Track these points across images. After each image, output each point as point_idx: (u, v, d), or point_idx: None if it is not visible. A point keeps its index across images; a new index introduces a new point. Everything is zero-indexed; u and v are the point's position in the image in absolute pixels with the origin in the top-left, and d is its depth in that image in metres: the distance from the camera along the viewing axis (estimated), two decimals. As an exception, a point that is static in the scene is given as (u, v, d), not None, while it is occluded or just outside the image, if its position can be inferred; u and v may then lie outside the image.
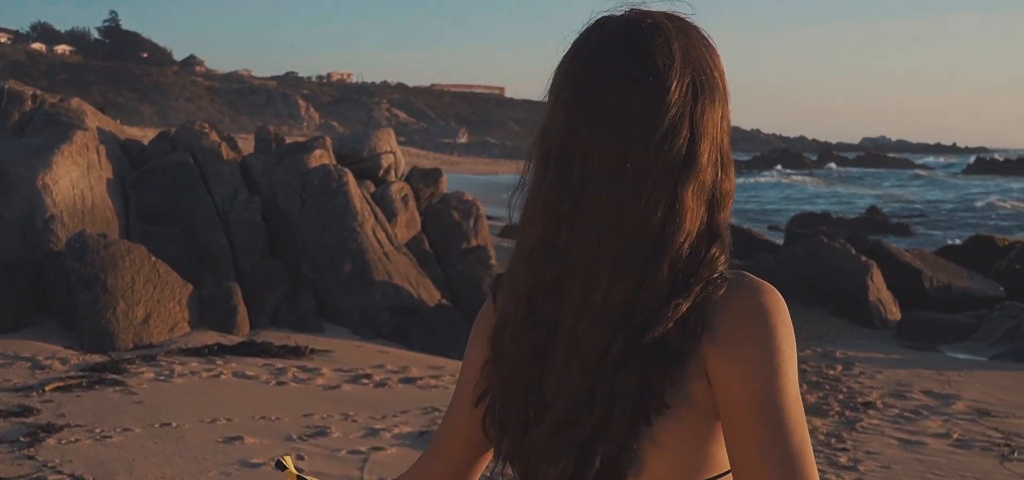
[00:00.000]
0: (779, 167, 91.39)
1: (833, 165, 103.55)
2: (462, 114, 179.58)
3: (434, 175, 13.47)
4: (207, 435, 6.91)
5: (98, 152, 11.56)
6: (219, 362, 9.09)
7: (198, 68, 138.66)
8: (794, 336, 1.45)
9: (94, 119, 12.37)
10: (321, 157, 12.04)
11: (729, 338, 1.43)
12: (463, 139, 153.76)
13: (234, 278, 10.76)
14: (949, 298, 15.65)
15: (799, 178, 75.48)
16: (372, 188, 12.41)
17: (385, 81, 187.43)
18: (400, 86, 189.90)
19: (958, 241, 25.35)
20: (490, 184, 59.34)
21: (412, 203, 12.39)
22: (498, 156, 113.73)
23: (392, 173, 13.04)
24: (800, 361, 11.01)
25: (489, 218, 31.14)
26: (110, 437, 6.78)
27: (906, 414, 8.86)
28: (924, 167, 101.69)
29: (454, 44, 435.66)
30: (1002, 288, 16.34)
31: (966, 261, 20.72)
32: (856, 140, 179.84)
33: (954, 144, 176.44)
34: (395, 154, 13.33)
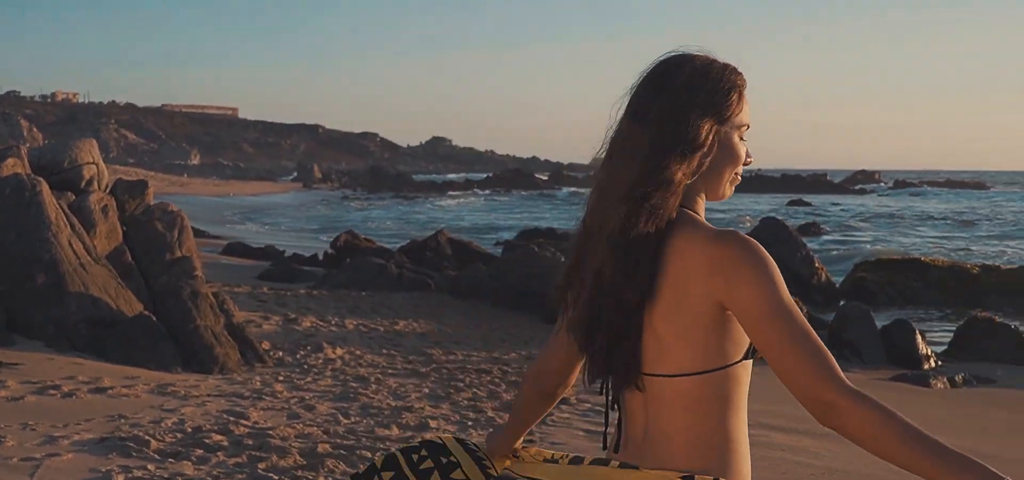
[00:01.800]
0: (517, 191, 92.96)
1: (565, 188, 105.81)
2: (194, 135, 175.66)
3: (140, 187, 13.17)
4: None
5: None
6: None
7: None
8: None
9: None
10: (13, 166, 11.61)
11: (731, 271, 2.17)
12: (195, 160, 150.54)
13: (-83, 293, 10.24)
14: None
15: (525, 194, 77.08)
16: (72, 198, 12.05)
17: (114, 101, 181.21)
18: (129, 106, 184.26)
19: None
20: (220, 205, 58.37)
21: (113, 214, 12.08)
22: (231, 177, 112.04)
23: (95, 184, 12.68)
24: (507, 363, 11.38)
25: (214, 238, 30.80)
26: None
27: (597, 409, 9.25)
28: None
29: (186, 64, 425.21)
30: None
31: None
32: (587, 160, 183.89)
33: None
34: (98, 166, 12.96)
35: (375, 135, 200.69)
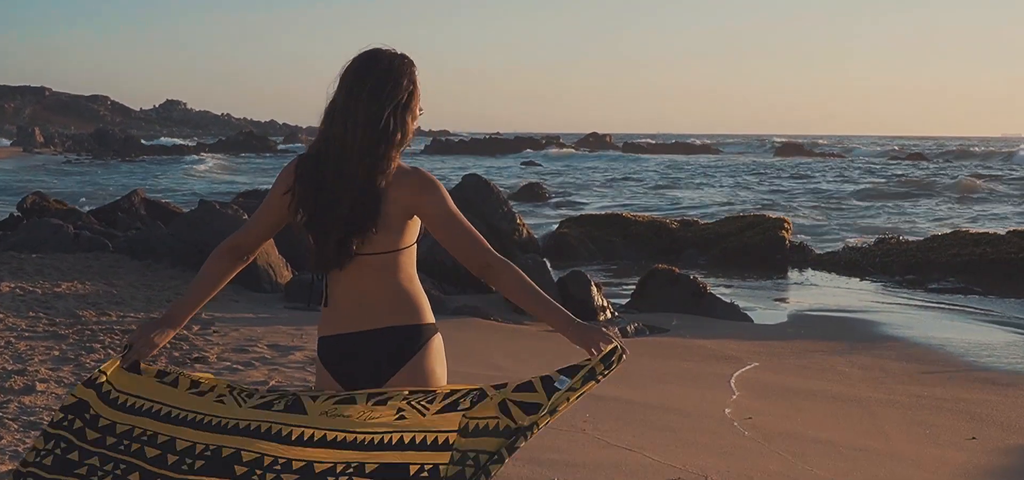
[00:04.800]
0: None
1: (301, 146, 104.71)
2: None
3: None
4: None
5: None
6: None
7: None
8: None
9: None
10: None
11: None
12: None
13: None
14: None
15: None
16: None
17: None
18: None
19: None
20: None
21: None
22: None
23: None
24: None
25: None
26: None
27: (235, 367, 8.83)
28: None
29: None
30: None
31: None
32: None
33: (418, 128, 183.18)
34: None
35: (106, 98, 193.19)
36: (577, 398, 3.28)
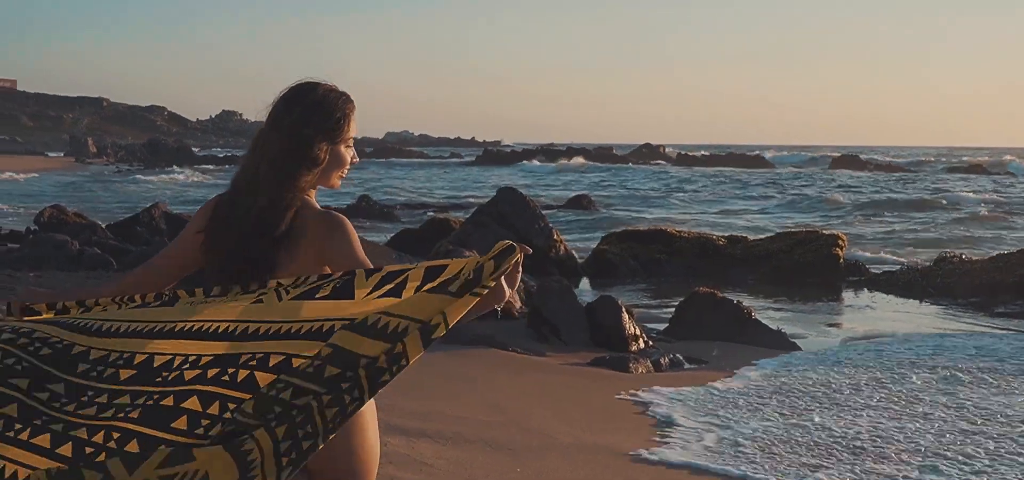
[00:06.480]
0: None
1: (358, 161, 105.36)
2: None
3: None
4: None
5: None
6: None
7: None
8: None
9: None
10: None
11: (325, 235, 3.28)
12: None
13: None
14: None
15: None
16: None
17: None
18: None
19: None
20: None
21: None
22: (7, 151, 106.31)
23: None
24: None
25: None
26: None
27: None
28: (440, 157, 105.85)
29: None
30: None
31: (419, 244, 20.48)
32: (380, 134, 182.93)
33: (473, 138, 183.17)
34: None
35: (163, 109, 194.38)
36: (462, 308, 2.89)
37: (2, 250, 17.35)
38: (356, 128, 3.42)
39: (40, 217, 21.05)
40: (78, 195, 44.03)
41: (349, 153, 3.41)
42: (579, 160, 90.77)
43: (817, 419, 8.84)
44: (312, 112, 3.31)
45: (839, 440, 8.18)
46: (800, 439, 8.19)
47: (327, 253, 3.24)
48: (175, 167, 77.38)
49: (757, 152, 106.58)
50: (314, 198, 3.37)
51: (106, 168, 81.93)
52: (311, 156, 3.29)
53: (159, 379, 2.96)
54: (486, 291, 2.88)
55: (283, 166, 3.27)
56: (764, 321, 13.78)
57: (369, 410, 3.26)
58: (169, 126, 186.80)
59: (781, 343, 12.89)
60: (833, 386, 10.19)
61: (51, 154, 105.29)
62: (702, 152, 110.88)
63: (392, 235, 23.56)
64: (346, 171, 3.44)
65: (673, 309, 14.37)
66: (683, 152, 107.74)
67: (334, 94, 3.38)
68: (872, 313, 16.39)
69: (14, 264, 15.28)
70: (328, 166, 3.35)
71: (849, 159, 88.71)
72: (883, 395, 9.85)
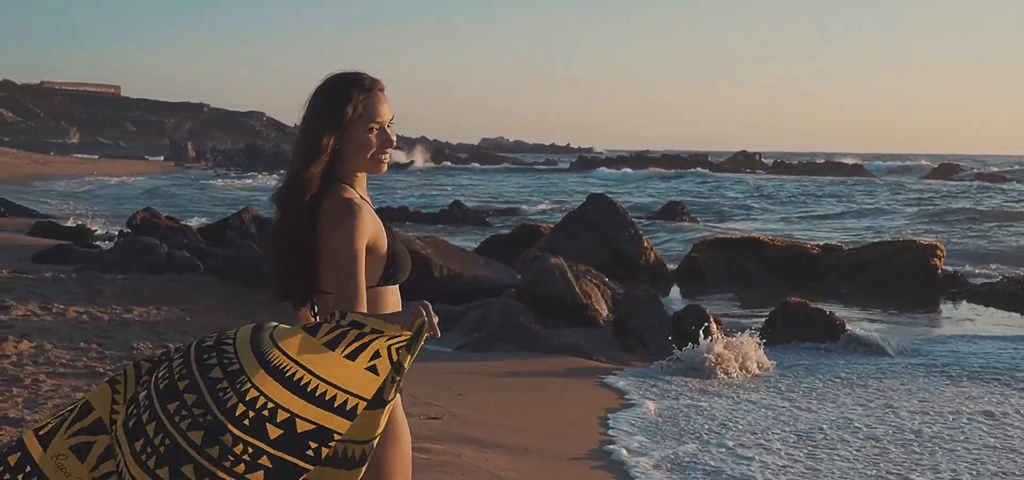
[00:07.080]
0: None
1: (448, 162, 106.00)
2: (74, 113, 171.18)
3: None
4: None
5: None
6: None
7: None
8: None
9: None
10: None
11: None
12: (74, 139, 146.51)
13: None
14: (457, 286, 14.99)
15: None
16: None
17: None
18: (6, 83, 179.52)
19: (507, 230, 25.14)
20: (73, 185, 55.41)
21: None
22: (111, 156, 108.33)
23: None
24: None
25: (30, 215, 28.63)
26: None
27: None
28: (534, 164, 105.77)
29: (67, 41, 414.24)
30: (519, 276, 15.76)
31: (509, 250, 20.31)
32: (476, 140, 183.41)
33: (568, 144, 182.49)
34: None
35: (261, 114, 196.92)
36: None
37: (94, 253, 17.53)
38: (383, 111, 3.39)
39: (132, 220, 21.29)
40: (171, 199, 44.57)
41: (372, 135, 3.38)
42: (673, 168, 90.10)
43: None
44: (314, 103, 3.38)
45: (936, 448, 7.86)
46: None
47: (322, 238, 3.28)
48: (264, 172, 78.24)
49: (854, 160, 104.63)
50: (362, 182, 3.44)
51: (204, 172, 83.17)
52: (316, 146, 3.32)
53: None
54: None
55: (297, 155, 3.36)
56: (858, 333, 13.39)
57: (399, 415, 3.38)
58: (267, 131, 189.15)
59: (875, 353, 12.52)
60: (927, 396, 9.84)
61: (151, 158, 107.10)
62: (797, 160, 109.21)
63: (482, 240, 23.45)
64: (382, 154, 3.41)
65: (764, 319, 14.05)
66: (780, 160, 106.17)
67: (341, 81, 3.38)
68: (971, 326, 15.88)
69: (104, 266, 15.40)
70: (347, 151, 3.37)
71: (948, 167, 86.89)
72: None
